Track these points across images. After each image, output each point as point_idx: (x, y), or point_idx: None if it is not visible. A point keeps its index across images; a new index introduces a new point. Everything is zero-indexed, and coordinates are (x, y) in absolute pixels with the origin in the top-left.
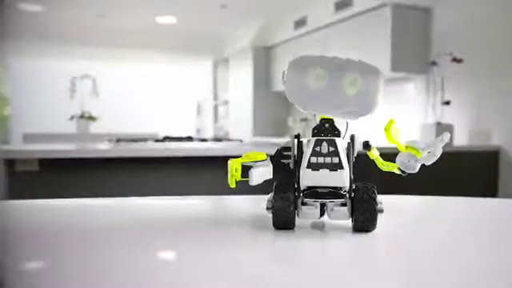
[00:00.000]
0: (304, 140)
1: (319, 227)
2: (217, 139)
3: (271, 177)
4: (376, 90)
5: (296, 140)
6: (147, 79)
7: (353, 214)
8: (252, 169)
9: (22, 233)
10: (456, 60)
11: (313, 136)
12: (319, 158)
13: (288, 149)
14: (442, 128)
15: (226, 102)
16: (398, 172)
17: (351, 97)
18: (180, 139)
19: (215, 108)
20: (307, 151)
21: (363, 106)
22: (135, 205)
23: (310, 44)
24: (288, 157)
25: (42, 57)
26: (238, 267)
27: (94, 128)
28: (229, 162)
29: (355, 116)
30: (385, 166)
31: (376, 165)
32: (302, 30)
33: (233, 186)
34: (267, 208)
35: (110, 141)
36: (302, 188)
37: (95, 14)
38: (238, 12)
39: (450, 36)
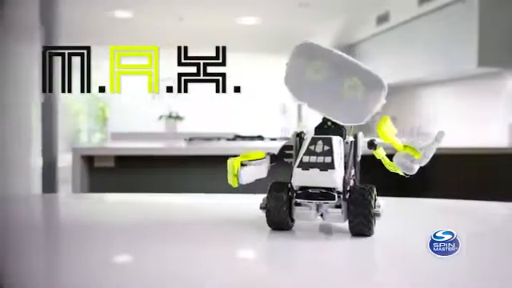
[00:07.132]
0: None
1: (324, 229)
2: (287, 138)
3: (265, 176)
4: (374, 104)
5: (298, 138)
6: (232, 80)
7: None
8: (242, 167)
9: (89, 224)
10: None
11: (315, 134)
12: (311, 157)
13: (290, 147)
14: None
15: None
16: (401, 173)
17: (345, 100)
18: (251, 138)
19: (299, 107)
20: (301, 150)
21: (355, 114)
22: (190, 202)
23: (392, 39)
24: (290, 155)
25: (131, 60)
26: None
27: (182, 127)
28: (229, 160)
29: (344, 121)
30: (391, 166)
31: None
32: (385, 26)
33: (235, 185)
34: (261, 207)
35: (185, 139)
36: (294, 188)
37: (175, 17)
38: (318, 10)
39: None
